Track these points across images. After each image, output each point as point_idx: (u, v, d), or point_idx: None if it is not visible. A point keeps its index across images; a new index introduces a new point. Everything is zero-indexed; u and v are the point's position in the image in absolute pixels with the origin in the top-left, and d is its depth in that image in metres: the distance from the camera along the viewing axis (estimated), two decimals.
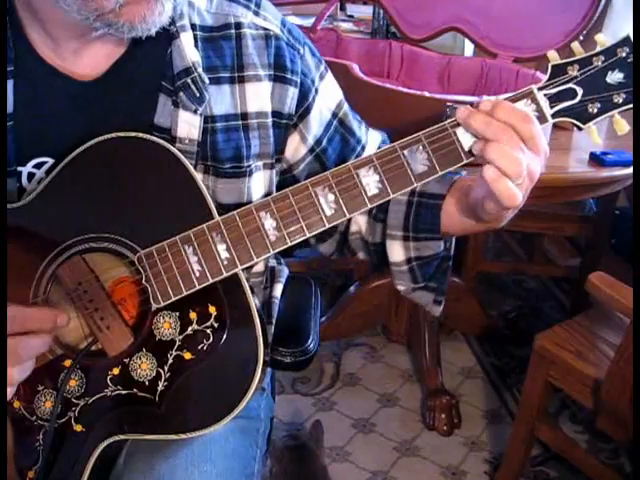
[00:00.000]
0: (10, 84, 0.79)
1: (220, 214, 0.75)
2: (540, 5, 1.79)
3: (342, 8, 2.83)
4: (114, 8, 0.71)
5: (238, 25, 0.83)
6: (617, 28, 1.88)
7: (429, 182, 0.74)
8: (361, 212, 0.75)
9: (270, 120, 0.85)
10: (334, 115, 0.91)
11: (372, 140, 0.95)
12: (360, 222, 0.93)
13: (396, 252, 0.87)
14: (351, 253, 0.97)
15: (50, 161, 0.81)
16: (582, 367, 1.38)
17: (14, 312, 0.72)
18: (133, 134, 0.77)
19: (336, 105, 0.92)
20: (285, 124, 0.86)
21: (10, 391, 0.74)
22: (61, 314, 0.75)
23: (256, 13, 0.85)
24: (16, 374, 0.73)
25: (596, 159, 1.51)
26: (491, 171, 0.69)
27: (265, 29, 0.84)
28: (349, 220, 0.92)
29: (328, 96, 0.90)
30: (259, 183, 0.88)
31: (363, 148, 0.93)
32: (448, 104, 1.40)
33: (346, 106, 0.93)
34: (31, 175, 0.82)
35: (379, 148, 0.94)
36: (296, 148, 0.89)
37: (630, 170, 1.49)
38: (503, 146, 0.68)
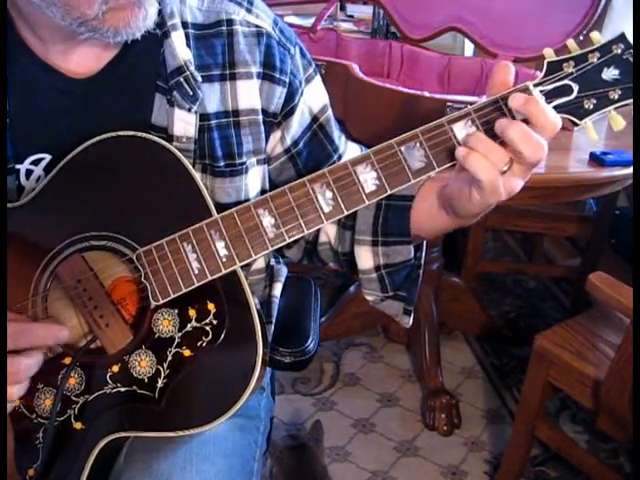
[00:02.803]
0: None
1: (219, 213, 0.75)
2: (540, 5, 1.79)
3: (342, 8, 2.83)
4: (97, 15, 0.71)
5: (230, 22, 0.83)
6: (617, 28, 1.87)
7: None
8: (332, 221, 0.75)
9: (261, 117, 0.85)
10: (315, 119, 0.90)
11: (350, 151, 0.94)
12: (329, 232, 0.92)
13: (365, 259, 0.87)
14: (321, 263, 0.96)
15: (47, 157, 0.82)
16: (582, 367, 1.38)
17: (21, 328, 0.73)
18: (132, 133, 0.77)
19: (319, 109, 0.91)
20: (270, 122, 0.86)
21: (9, 407, 0.75)
22: (63, 329, 0.75)
23: (248, 10, 0.85)
24: (16, 392, 0.73)
25: (596, 159, 1.51)
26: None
27: (257, 26, 0.84)
28: (318, 230, 0.91)
29: (312, 99, 0.90)
30: (255, 180, 0.88)
31: (340, 157, 0.93)
32: (448, 104, 1.41)
33: (330, 112, 0.93)
34: (29, 172, 0.82)
35: None
36: (275, 145, 0.89)
37: (630, 170, 1.48)
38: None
